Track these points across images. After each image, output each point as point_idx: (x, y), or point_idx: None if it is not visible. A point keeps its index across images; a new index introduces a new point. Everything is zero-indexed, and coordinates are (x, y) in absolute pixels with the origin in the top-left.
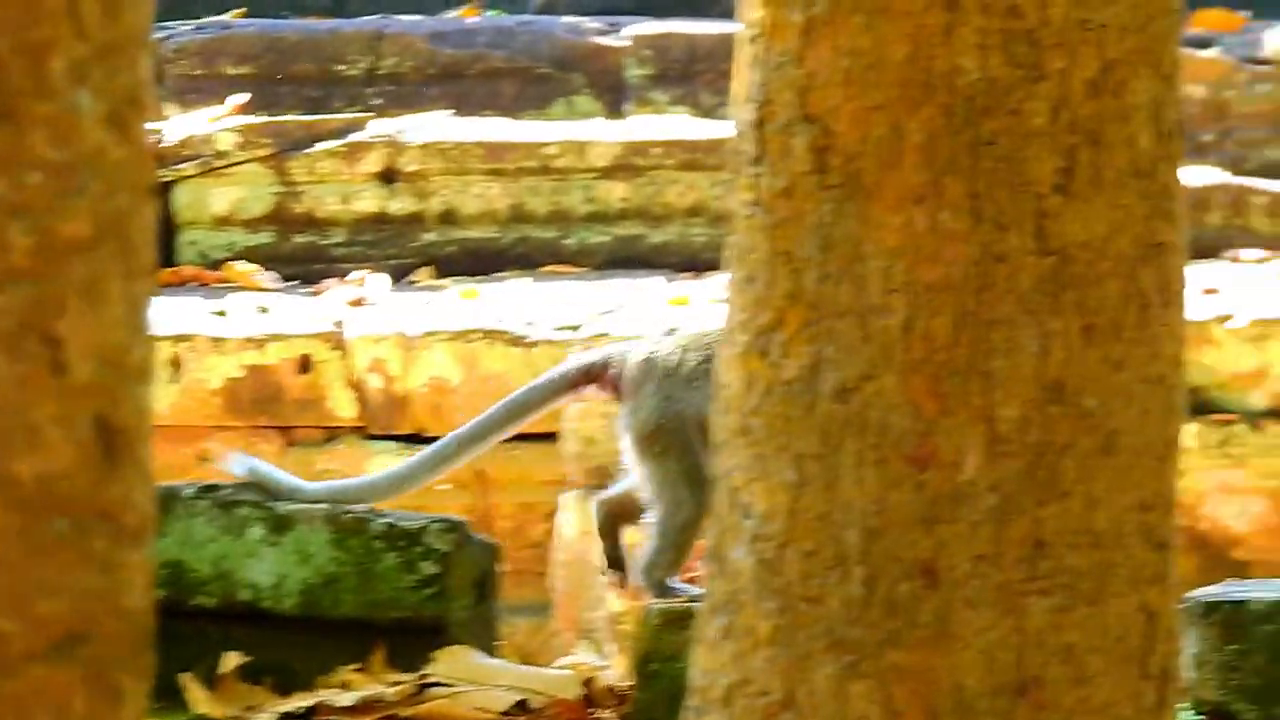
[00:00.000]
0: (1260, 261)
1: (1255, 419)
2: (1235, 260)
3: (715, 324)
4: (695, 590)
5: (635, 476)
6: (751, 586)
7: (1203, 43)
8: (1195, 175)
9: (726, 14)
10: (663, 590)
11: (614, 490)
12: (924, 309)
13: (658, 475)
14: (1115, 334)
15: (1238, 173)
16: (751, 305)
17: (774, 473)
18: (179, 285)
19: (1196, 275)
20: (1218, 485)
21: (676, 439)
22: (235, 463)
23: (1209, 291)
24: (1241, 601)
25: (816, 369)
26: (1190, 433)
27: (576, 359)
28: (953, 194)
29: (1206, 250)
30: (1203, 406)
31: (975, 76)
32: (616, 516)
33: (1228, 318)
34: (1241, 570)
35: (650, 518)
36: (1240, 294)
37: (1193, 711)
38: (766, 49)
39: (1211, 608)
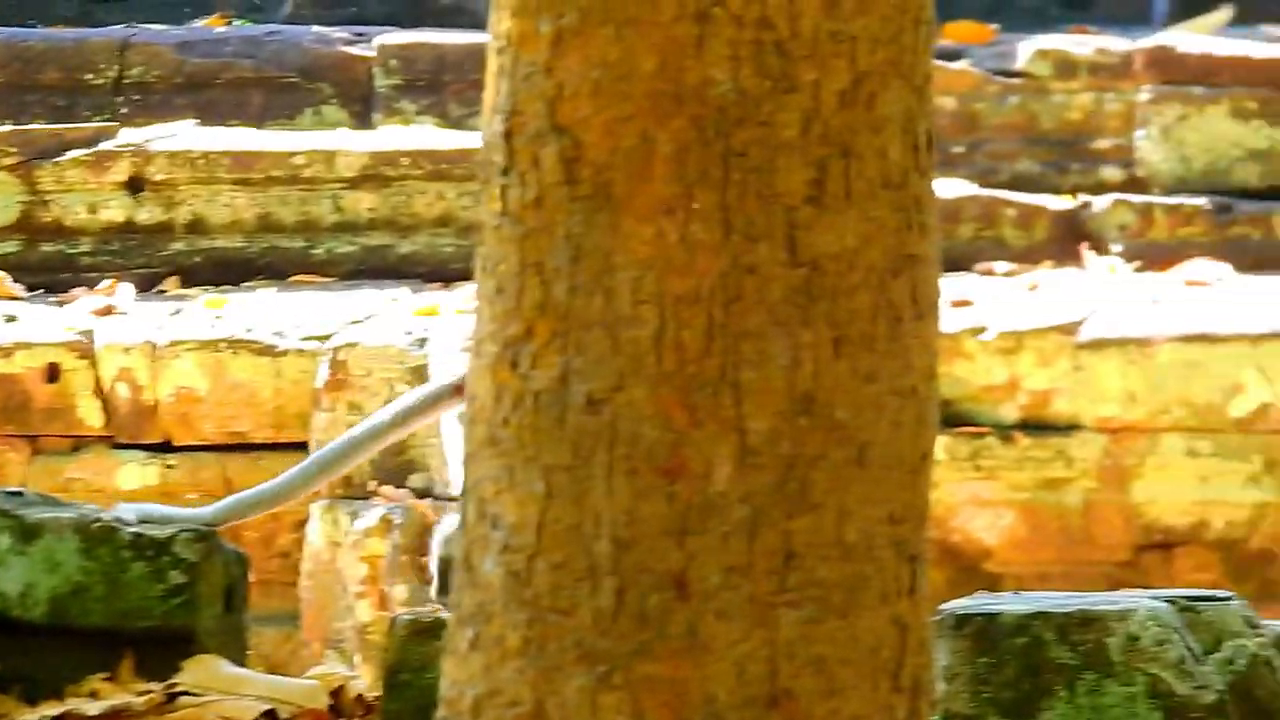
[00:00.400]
0: (1011, 274)
1: (1006, 431)
2: (986, 273)
3: None
4: None
5: None
6: (501, 597)
7: (953, 55)
8: (946, 187)
9: (476, 25)
10: None
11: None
12: (674, 320)
13: None
14: (867, 346)
15: (988, 185)
16: (500, 316)
17: (523, 484)
18: None
19: (948, 287)
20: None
21: None
22: (125, 512)
23: (960, 304)
24: (993, 614)
25: (566, 380)
26: (941, 445)
27: (455, 371)
28: (703, 205)
29: (957, 262)
30: (954, 419)
31: (726, 88)
32: None
33: (979, 330)
34: (993, 583)
35: None
36: (991, 306)
37: None
38: (515, 60)
39: (963, 620)
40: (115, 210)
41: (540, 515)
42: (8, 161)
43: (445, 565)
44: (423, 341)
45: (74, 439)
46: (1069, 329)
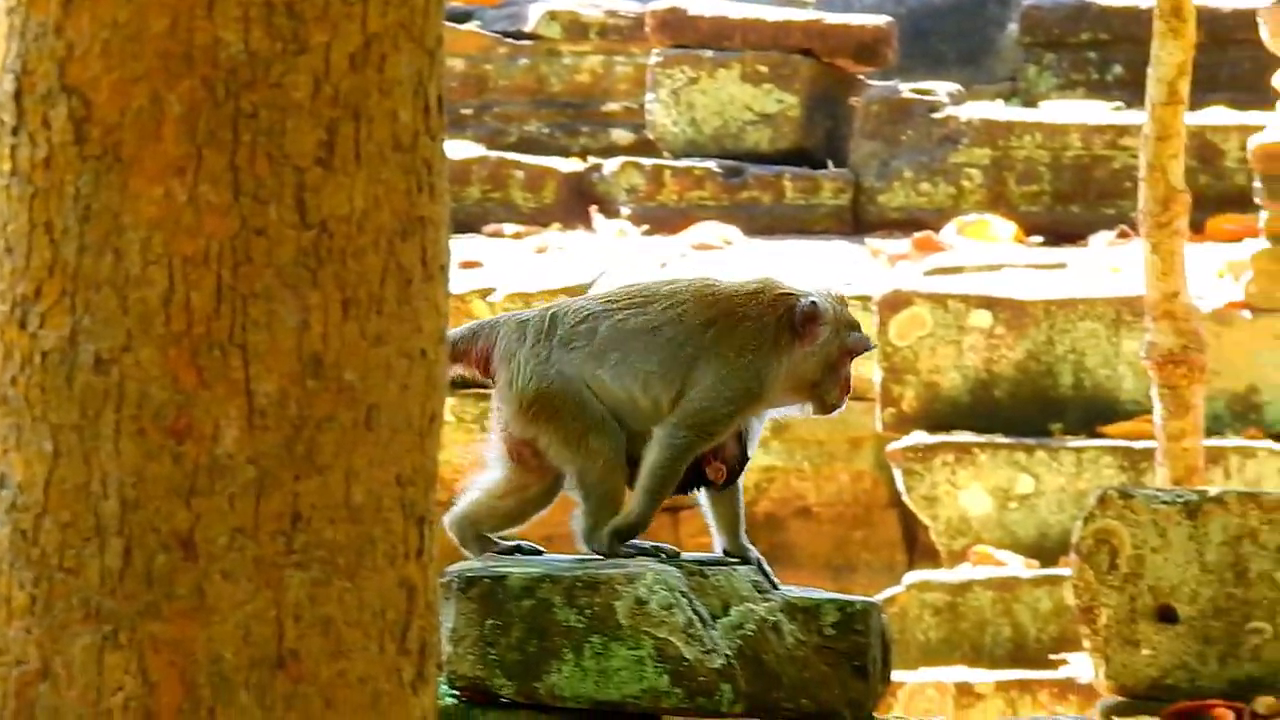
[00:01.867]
0: (519, 236)
1: None
2: (496, 234)
3: (592, 292)
4: (649, 545)
5: (497, 473)
6: (8, 556)
7: (462, 16)
8: (455, 149)
9: None
10: (614, 548)
11: (465, 503)
12: (183, 281)
13: (558, 438)
14: (375, 308)
15: (497, 147)
16: (9, 276)
17: (31, 443)
18: None
19: (457, 249)
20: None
21: (565, 398)
22: None
23: (469, 265)
24: (501, 577)
25: (75, 340)
26: (450, 407)
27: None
28: (213, 167)
29: (467, 224)
30: (463, 380)
31: (237, 49)
32: (477, 524)
33: (488, 291)
34: None
35: (567, 484)
36: (500, 268)
37: (449, 686)
38: (25, 20)
39: (471, 582)
40: None
41: (48, 474)
42: None
43: None
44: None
45: None
46: (577, 291)
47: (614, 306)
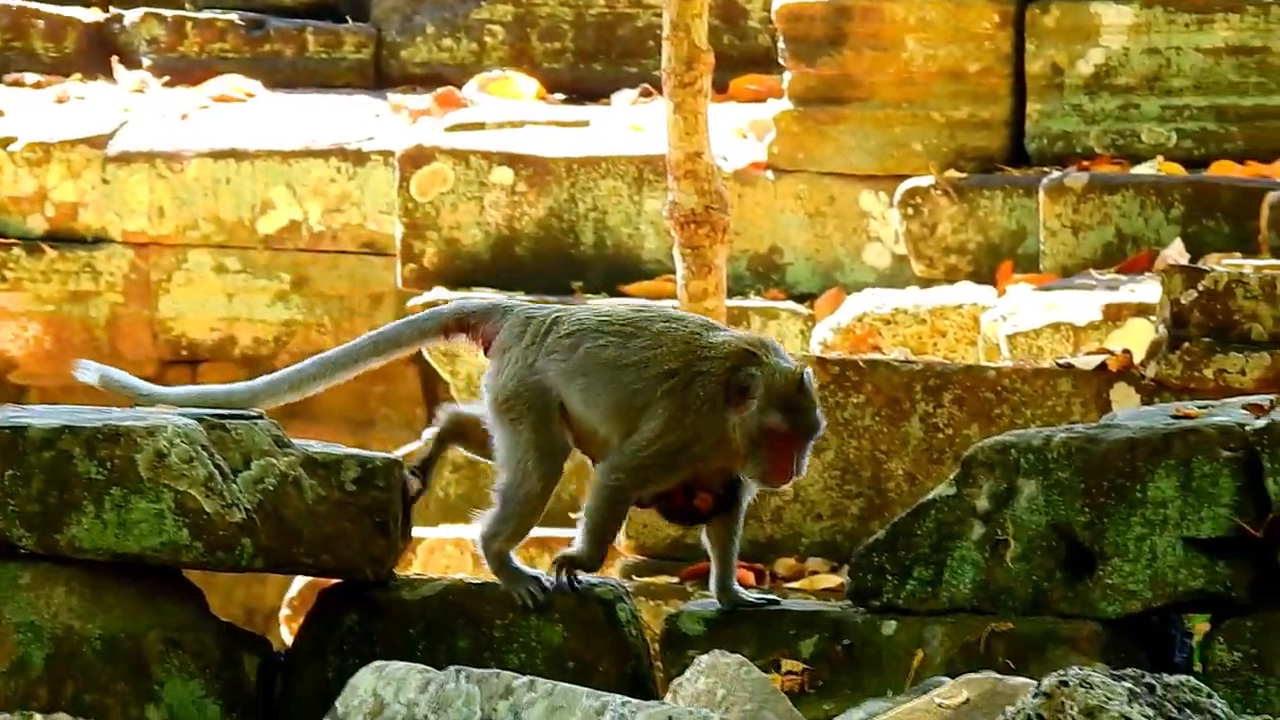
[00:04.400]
0: (40, 86)
1: (33, 243)
2: (16, 84)
3: (607, 301)
4: (536, 573)
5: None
6: None
7: None
8: None
9: None
10: (500, 564)
11: (467, 409)
12: None
13: (508, 442)
14: None
15: None
16: None
17: None
18: None
19: None
20: None
21: (532, 409)
22: (86, 371)
23: None
24: (20, 427)
25: None
26: None
27: (456, 305)
28: None
29: None
30: None
31: None
32: (455, 432)
33: (9, 141)
34: (19, 395)
35: (496, 485)
36: (21, 118)
37: None
38: None
39: None
40: None
41: None
42: None
43: None
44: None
45: None
46: (98, 142)
47: (604, 329)
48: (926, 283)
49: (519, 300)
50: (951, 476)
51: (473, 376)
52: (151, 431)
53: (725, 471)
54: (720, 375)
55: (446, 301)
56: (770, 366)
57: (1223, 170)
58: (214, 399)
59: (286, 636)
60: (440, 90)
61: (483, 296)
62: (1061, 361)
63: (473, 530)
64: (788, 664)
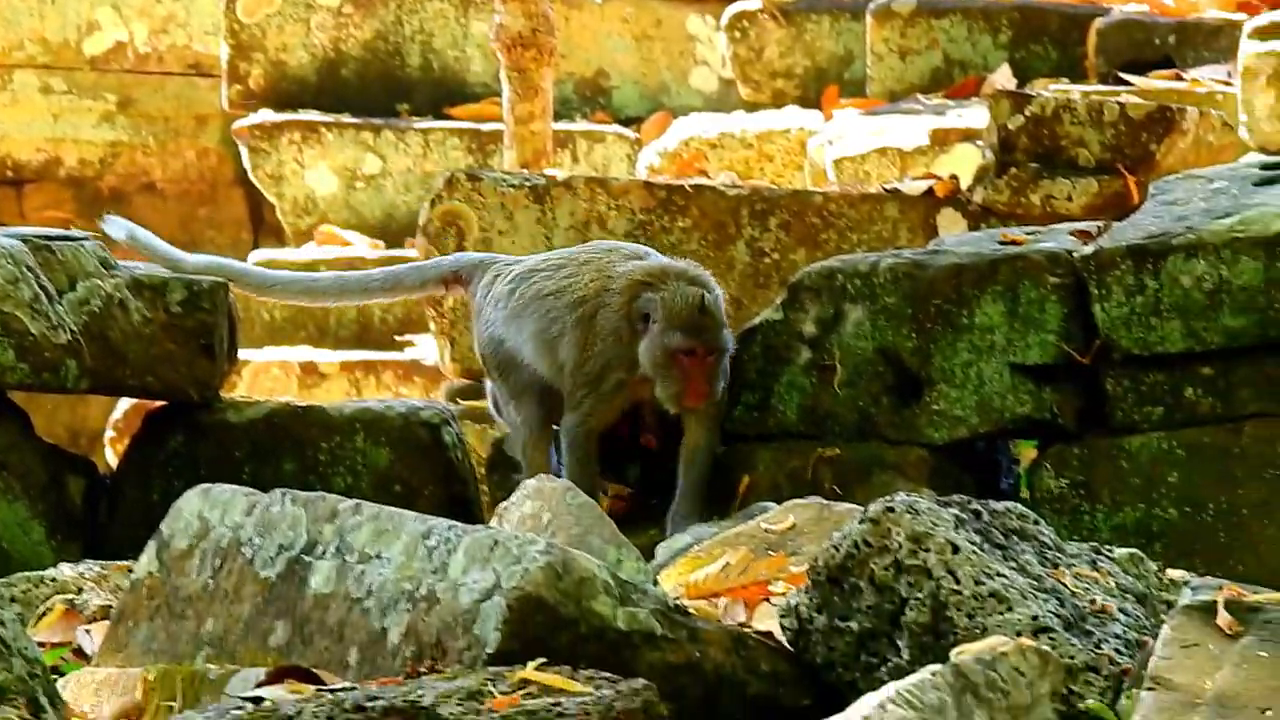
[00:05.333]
0: None
1: None
2: None
3: (584, 248)
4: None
5: None
6: None
7: None
8: None
9: None
10: None
11: None
12: None
13: (499, 397)
14: None
15: None
16: None
17: None
18: None
19: None
20: None
21: (499, 362)
22: (114, 226)
23: None
24: None
25: None
26: None
27: (454, 258)
28: None
29: None
30: None
31: None
32: None
33: None
34: None
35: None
36: None
37: None
38: None
39: None
40: None
41: None
42: None
43: None
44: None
45: None
46: None
47: (540, 266)
48: (753, 107)
49: (502, 257)
50: (778, 301)
51: (298, 199)
52: None
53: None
54: (620, 306)
55: (274, 123)
56: (670, 290)
57: None
58: (230, 271)
59: (112, 459)
60: None
61: (470, 257)
62: (888, 186)
63: (298, 352)
64: (614, 488)
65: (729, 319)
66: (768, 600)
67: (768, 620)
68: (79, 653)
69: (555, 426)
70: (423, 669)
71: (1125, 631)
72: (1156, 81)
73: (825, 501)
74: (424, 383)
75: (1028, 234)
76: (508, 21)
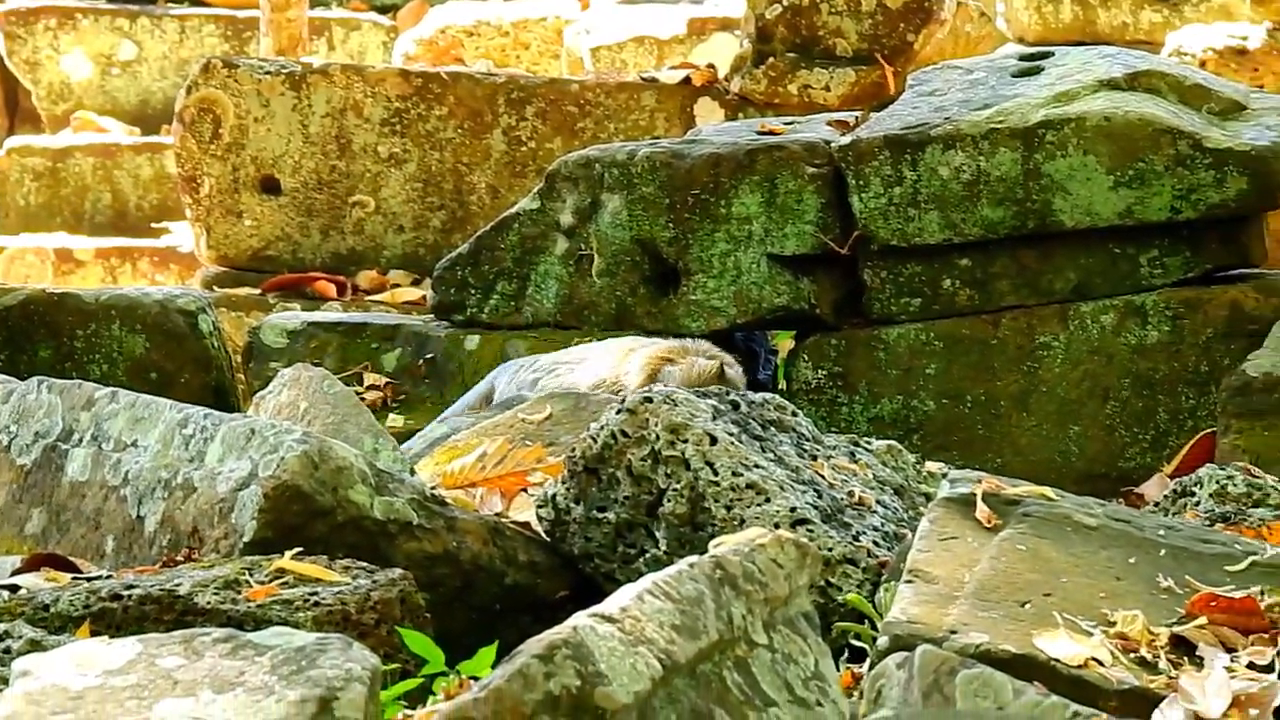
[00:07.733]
0: None
1: None
2: None
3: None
4: None
5: None
6: None
7: None
8: None
9: None
10: None
11: None
12: None
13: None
14: None
15: None
16: None
17: None
18: None
19: None
20: None
21: None
22: None
23: None
24: None
25: None
26: None
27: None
28: None
29: None
30: None
31: None
32: None
33: None
34: None
35: None
36: None
37: None
38: None
39: None
40: None
41: None
42: None
43: None
44: None
45: None
46: None
47: (565, 358)
48: None
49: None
50: (535, 190)
51: (54, 85)
52: None
53: None
54: (643, 383)
55: (29, 8)
56: (688, 363)
57: None
58: None
59: None
60: None
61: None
62: (645, 75)
63: (54, 239)
64: (370, 378)
65: (485, 207)
66: (525, 491)
67: (525, 510)
68: None
69: None
70: (180, 557)
71: (883, 524)
72: None
73: (582, 391)
74: (180, 270)
75: (786, 124)
76: None
